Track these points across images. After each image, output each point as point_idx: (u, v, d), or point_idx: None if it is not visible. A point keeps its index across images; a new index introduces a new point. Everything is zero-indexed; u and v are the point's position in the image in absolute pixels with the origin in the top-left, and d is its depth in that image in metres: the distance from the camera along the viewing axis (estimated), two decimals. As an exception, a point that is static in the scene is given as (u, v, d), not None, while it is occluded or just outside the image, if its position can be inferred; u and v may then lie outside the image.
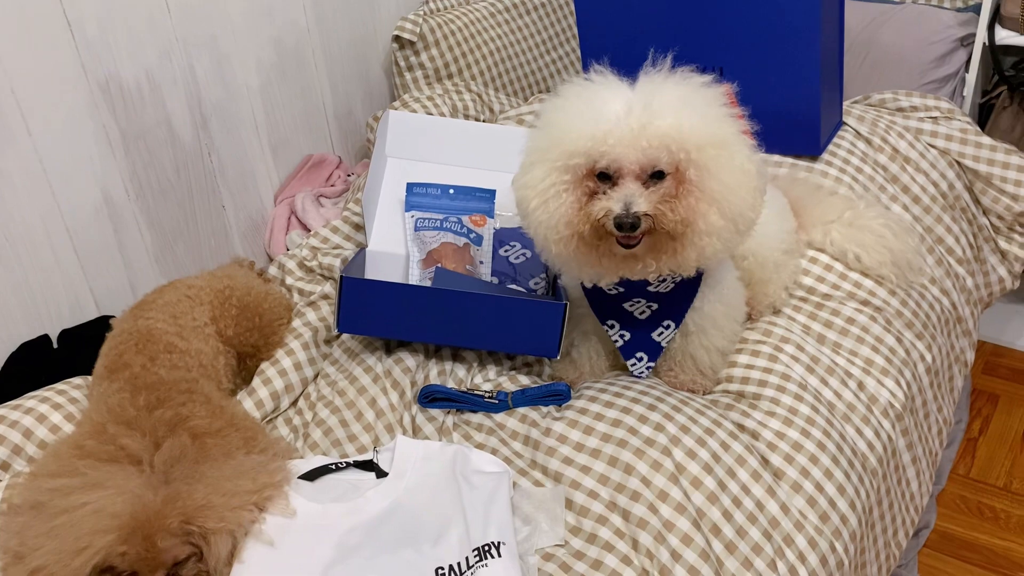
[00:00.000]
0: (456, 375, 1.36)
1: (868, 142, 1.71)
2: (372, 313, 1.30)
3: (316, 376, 1.41)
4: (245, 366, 1.42)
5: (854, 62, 1.88)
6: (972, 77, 1.88)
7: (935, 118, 1.76)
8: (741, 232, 1.19)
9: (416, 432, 1.28)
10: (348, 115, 2.06)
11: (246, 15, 1.78)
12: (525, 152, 1.24)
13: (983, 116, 2.01)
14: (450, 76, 2.04)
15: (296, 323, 1.47)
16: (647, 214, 1.13)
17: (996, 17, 1.85)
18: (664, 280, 1.27)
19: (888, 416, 1.38)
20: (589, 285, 1.28)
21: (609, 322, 1.34)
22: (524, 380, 1.36)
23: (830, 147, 1.69)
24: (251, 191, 1.88)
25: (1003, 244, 1.76)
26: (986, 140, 1.73)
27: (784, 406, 1.29)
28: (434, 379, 1.34)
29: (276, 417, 1.37)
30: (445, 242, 1.48)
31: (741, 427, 1.27)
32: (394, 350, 1.39)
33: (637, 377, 1.36)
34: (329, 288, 1.52)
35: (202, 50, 1.71)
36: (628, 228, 1.13)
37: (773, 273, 1.45)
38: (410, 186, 1.54)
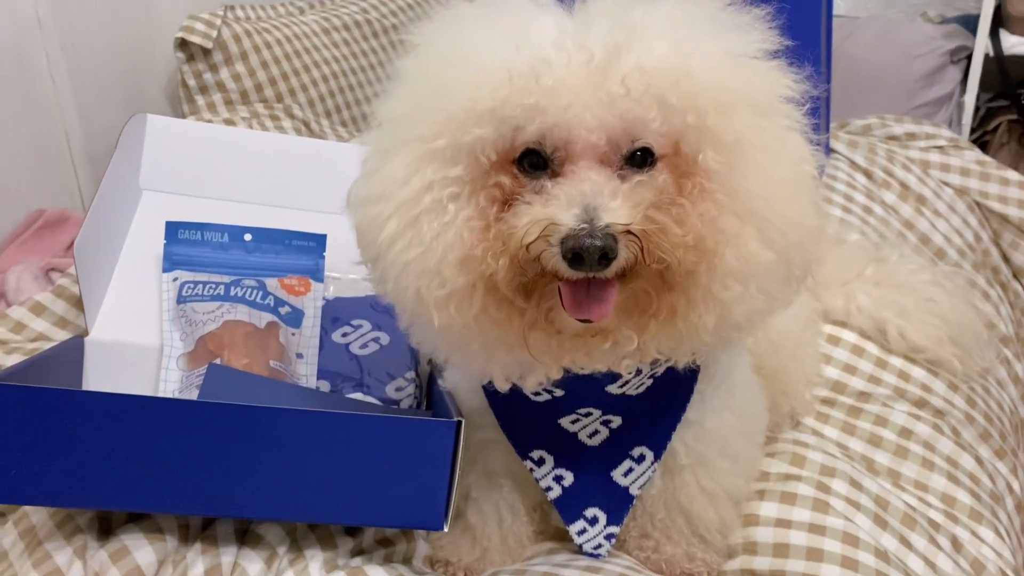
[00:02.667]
0: (244, 575, 0.69)
1: (868, 175, 1.21)
2: (58, 459, 0.63)
3: (-42, 591, 0.71)
4: None
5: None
6: (971, 100, 1.44)
7: (941, 147, 1.29)
8: (795, 279, 0.63)
9: None
10: (107, 156, 1.39)
11: (-81, -20, 1.11)
12: (374, 132, 0.64)
13: (972, 158, 1.58)
14: (264, 101, 1.43)
15: (-65, 482, 0.76)
16: (629, 231, 0.54)
17: (998, 20, 1.43)
18: (637, 372, 0.67)
19: (1003, 594, 0.81)
20: (504, 387, 0.66)
21: (535, 454, 0.74)
22: (379, 576, 0.71)
23: (825, 179, 1.17)
24: (-70, 262, 1.17)
25: (1041, 318, 1.28)
26: (1013, 175, 1.27)
27: (865, 599, 0.70)
28: (196, 588, 0.67)
29: None
30: (231, 321, 0.83)
31: (803, 651, 0.67)
32: (117, 528, 0.71)
33: (590, 556, 0.74)
34: (14, 413, 0.83)
35: None
36: (595, 260, 0.54)
37: (791, 359, 0.88)
38: (172, 228, 0.89)
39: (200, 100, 1.41)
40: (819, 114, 1.07)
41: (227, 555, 0.70)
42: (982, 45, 1.42)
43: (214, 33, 1.39)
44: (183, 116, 1.42)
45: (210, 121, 1.25)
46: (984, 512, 0.88)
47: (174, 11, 1.44)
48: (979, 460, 0.93)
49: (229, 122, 1.26)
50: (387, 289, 0.62)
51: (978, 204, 1.26)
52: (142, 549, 0.68)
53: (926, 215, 1.20)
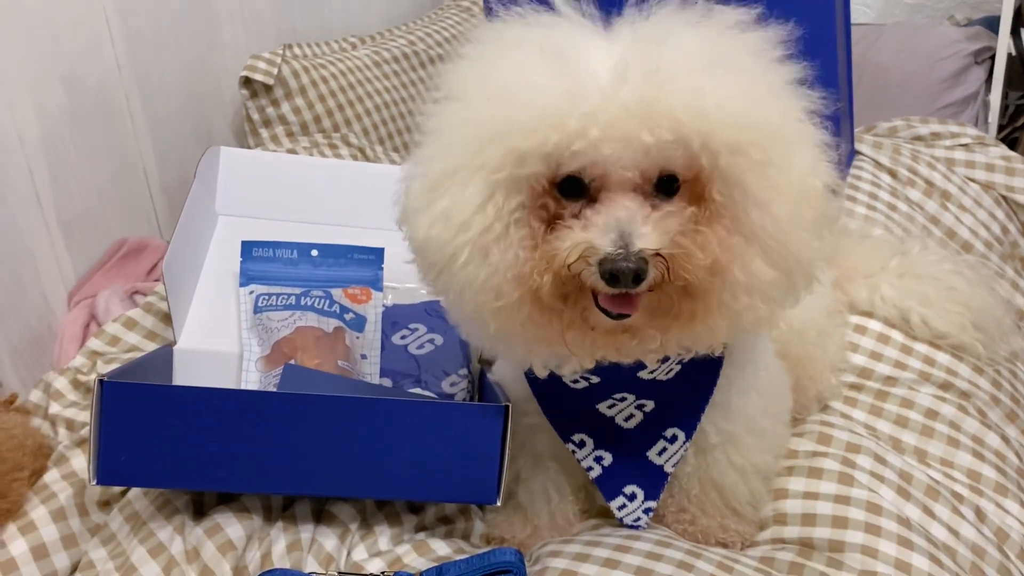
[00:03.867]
0: (321, 549, 0.78)
1: (893, 174, 1.27)
2: (160, 445, 0.73)
3: (75, 569, 0.81)
4: (-53, 558, 0.81)
5: (847, 87, 1.47)
6: (996, 98, 1.48)
7: (966, 145, 1.34)
8: (798, 289, 0.69)
9: (240, 669, 0.68)
10: (181, 186, 1.51)
11: (16, 35, 1.24)
12: (428, 150, 0.69)
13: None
14: (323, 132, 1.54)
15: (50, 476, 0.87)
16: (658, 254, 0.62)
17: (1019, 20, 1.47)
18: (665, 359, 0.74)
19: (1028, 560, 0.86)
20: (543, 374, 0.74)
21: (576, 438, 0.81)
22: (440, 548, 0.79)
23: (850, 180, 1.23)
24: (28, 289, 1.29)
25: (1071, 307, 1.31)
26: (1038, 168, 1.30)
27: (887, 559, 0.77)
28: (280, 559, 0.76)
29: (-11, 652, 0.75)
30: (303, 327, 0.93)
31: (828, 605, 0.73)
32: (209, 510, 0.80)
33: (631, 528, 0.81)
34: (114, 415, 0.93)
35: (-56, 81, 1.16)
36: (629, 281, 0.62)
37: (815, 347, 0.94)
38: (247, 247, 0.99)
39: (264, 133, 1.52)
40: (839, 123, 1.14)
41: (305, 532, 0.79)
42: (1004, 44, 1.45)
43: (275, 71, 1.50)
44: (249, 149, 1.54)
45: (275, 152, 1.36)
46: (1010, 486, 0.92)
47: (237, 52, 1.56)
48: (1005, 439, 0.98)
49: (292, 152, 1.37)
50: (448, 299, 0.70)
51: (1004, 198, 1.30)
52: (232, 526, 0.77)
53: (951, 210, 1.25)
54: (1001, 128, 1.61)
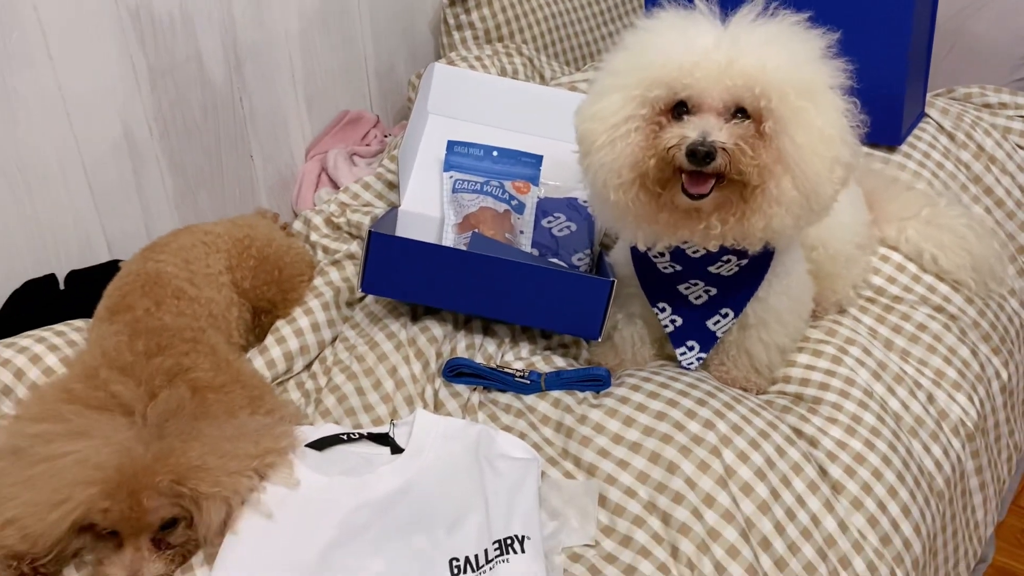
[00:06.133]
0: (486, 350, 1.24)
1: (951, 137, 1.57)
2: (400, 274, 1.18)
3: (334, 339, 1.30)
4: (259, 322, 1.32)
5: (939, 51, 1.73)
6: (1068, 77, 1.72)
7: (1025, 117, 1.61)
8: (814, 211, 1.05)
9: (438, 407, 1.16)
10: (389, 72, 1.95)
11: (289, -48, 1.67)
12: (598, 77, 1.09)
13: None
14: (500, 39, 1.92)
15: (318, 281, 1.36)
16: (724, 148, 0.99)
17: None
18: (727, 261, 1.14)
19: (958, 434, 1.24)
20: (643, 248, 1.14)
21: (660, 304, 1.21)
22: (559, 362, 1.24)
23: (910, 139, 1.55)
24: (282, 143, 1.77)
25: (1089, 261, 1.61)
26: (1083, 145, 1.57)
27: (847, 413, 1.17)
28: (462, 352, 1.23)
29: (288, 380, 1.26)
30: (484, 207, 1.36)
31: (799, 432, 1.14)
32: (420, 317, 1.27)
33: (685, 368, 1.23)
34: (355, 247, 1.41)
35: (241, -14, 1.60)
36: (702, 158, 0.99)
37: (843, 268, 1.31)
38: (451, 144, 1.42)
39: (456, 35, 1.92)
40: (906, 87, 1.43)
41: (477, 338, 1.25)
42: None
43: (471, -17, 1.88)
44: (443, 47, 1.94)
45: (465, 58, 1.76)
46: (964, 384, 1.28)
47: (443, -33, 1.95)
48: (974, 352, 1.33)
49: (478, 59, 1.77)
50: (587, 178, 1.09)
51: (1047, 167, 1.58)
52: (436, 328, 1.24)
53: (994, 172, 1.55)
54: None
